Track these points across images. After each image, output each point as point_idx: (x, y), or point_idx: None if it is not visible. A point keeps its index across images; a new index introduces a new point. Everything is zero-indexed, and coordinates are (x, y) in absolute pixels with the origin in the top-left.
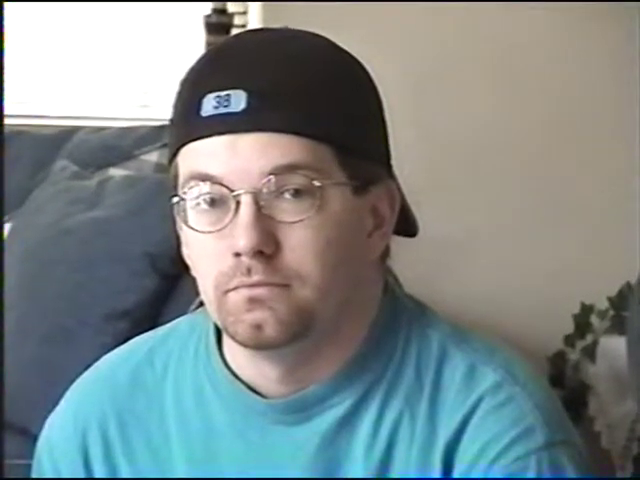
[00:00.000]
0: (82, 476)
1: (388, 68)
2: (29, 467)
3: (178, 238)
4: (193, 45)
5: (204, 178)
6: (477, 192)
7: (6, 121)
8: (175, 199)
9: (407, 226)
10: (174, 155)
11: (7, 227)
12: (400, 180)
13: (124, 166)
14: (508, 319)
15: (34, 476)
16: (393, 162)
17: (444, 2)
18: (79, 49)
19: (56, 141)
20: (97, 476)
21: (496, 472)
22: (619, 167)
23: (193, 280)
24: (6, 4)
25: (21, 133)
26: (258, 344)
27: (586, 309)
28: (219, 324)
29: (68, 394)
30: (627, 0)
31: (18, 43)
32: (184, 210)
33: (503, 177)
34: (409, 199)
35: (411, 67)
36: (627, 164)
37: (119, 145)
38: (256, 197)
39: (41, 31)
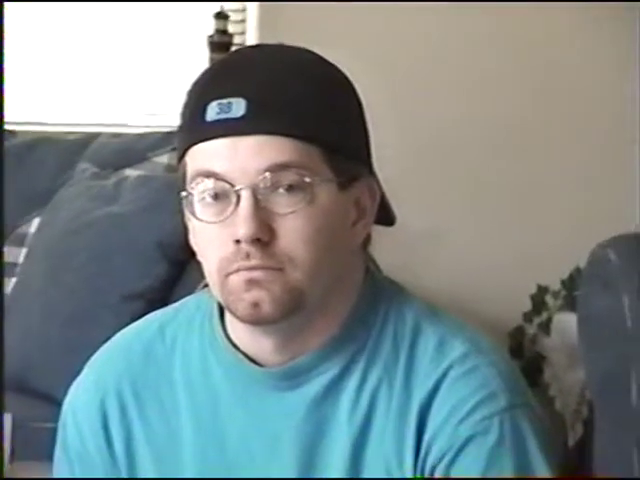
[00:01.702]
0: (101, 437)
1: (368, 73)
2: (54, 430)
3: (186, 228)
4: (198, 62)
5: (209, 175)
6: (447, 187)
7: (32, 128)
8: (184, 194)
9: (386, 217)
10: (182, 156)
11: (36, 222)
12: (380, 176)
13: (138, 167)
14: (475, 299)
15: (59, 437)
16: (373, 160)
17: (424, 5)
18: (97, 65)
19: (77, 146)
20: (114, 436)
21: (463, 431)
22: (574, 164)
23: (199, 265)
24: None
25: (46, 139)
26: (256, 320)
27: (542, 290)
28: (222, 302)
29: (89, 364)
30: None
31: (46, 61)
32: (191, 203)
33: (471, 174)
34: (387, 193)
35: (390, 70)
36: (576, 158)
37: (134, 148)
38: (254, 192)
39: (67, 51)
